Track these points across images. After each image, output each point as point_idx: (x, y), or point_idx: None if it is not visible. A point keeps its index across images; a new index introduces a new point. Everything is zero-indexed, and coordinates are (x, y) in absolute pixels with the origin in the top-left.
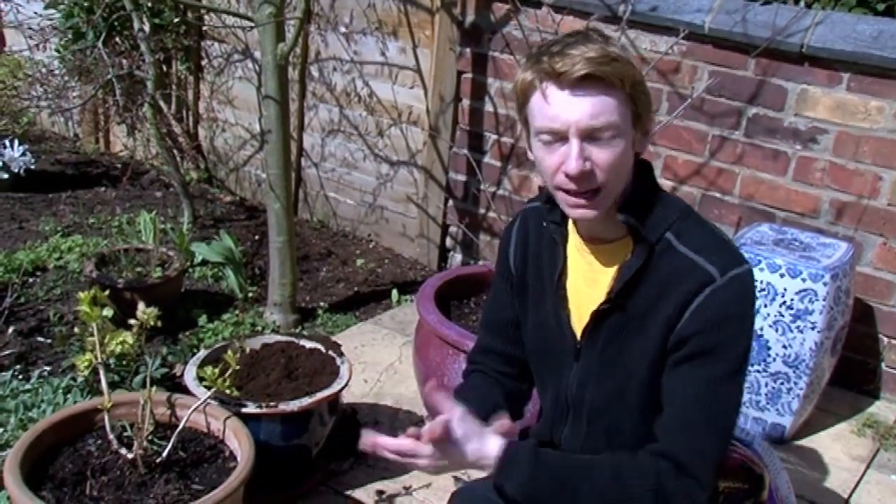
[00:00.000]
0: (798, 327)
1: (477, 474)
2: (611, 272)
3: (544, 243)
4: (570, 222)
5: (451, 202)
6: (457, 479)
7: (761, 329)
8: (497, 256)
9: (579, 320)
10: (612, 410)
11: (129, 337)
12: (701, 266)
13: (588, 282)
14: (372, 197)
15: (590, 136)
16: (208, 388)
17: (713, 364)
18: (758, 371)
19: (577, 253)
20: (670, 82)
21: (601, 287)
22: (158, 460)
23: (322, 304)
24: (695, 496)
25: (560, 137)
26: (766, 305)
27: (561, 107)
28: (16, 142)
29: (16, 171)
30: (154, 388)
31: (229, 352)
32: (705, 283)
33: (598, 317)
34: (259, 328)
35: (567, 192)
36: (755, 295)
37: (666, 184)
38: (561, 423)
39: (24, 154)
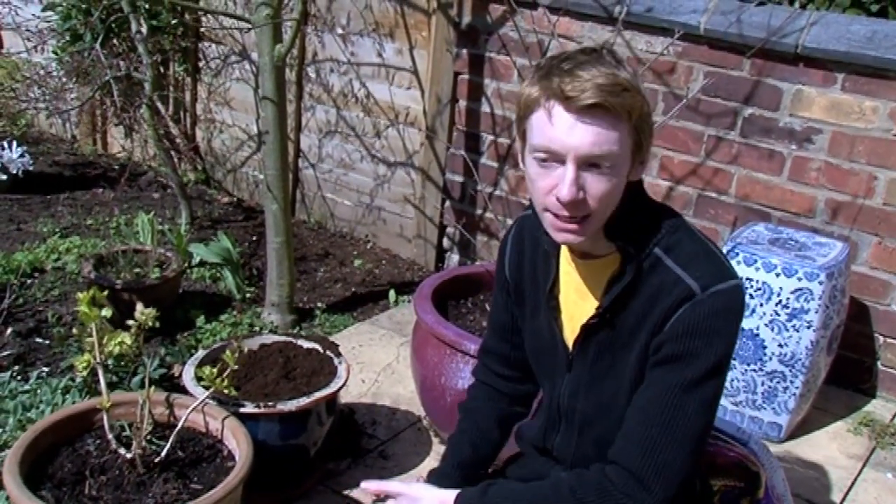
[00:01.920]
0: (794, 326)
1: None
2: (601, 286)
3: (539, 253)
4: None
5: (448, 203)
6: None
7: (757, 328)
8: (496, 263)
9: (571, 331)
10: (602, 422)
11: (127, 337)
12: (684, 281)
13: (580, 294)
14: (369, 198)
15: (587, 164)
16: (206, 388)
17: (678, 371)
18: (754, 370)
19: (569, 265)
20: (666, 83)
21: (592, 300)
22: (157, 460)
23: (320, 304)
24: (640, 499)
25: (556, 160)
26: (761, 305)
27: (564, 130)
28: (14, 143)
29: (14, 172)
30: (152, 389)
31: (227, 352)
32: (686, 298)
33: (587, 330)
34: (257, 329)
35: (555, 215)
36: (739, 311)
37: (662, 184)
38: (553, 431)
39: (22, 156)
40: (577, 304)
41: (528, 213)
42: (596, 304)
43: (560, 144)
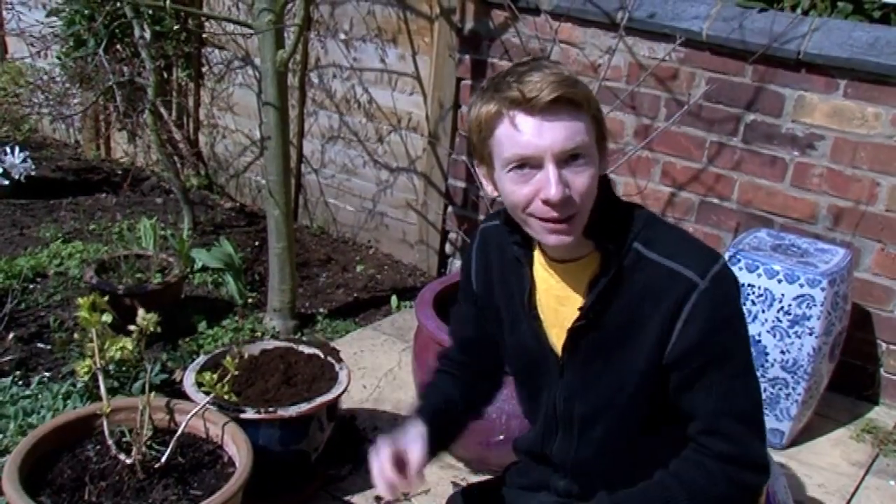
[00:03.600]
0: (796, 333)
1: (474, 479)
2: (581, 289)
3: (508, 265)
4: (536, 241)
5: (450, 208)
6: (455, 484)
7: (759, 335)
8: (460, 276)
9: (557, 338)
10: (602, 422)
11: (128, 343)
12: (679, 272)
13: (559, 301)
14: (371, 203)
15: (563, 160)
16: (207, 393)
17: (728, 363)
18: None
19: (545, 272)
20: (668, 89)
21: (573, 304)
22: (157, 466)
23: (321, 309)
24: (761, 478)
25: (533, 165)
26: (763, 311)
27: (533, 133)
28: (17, 148)
29: (17, 177)
30: (153, 394)
31: (228, 357)
32: (689, 289)
33: (574, 334)
34: (258, 334)
35: (544, 219)
36: (738, 284)
37: (664, 190)
38: (551, 437)
39: (25, 161)
40: (557, 312)
41: (491, 224)
42: (578, 306)
43: (534, 148)
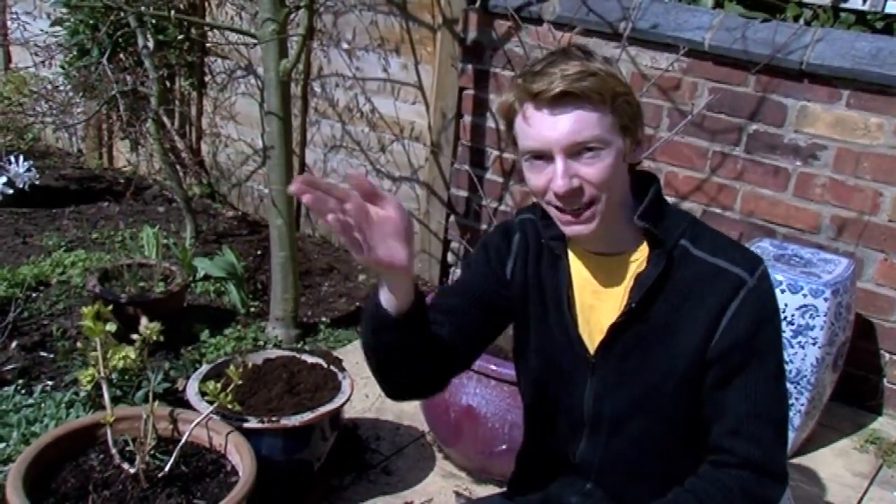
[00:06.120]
0: (799, 343)
1: (479, 493)
2: (621, 284)
3: (544, 259)
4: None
5: (452, 218)
6: (458, 494)
7: None
8: (484, 259)
9: (589, 334)
10: (636, 420)
11: (131, 352)
12: (728, 270)
13: (596, 295)
14: None
15: (574, 152)
16: (210, 402)
17: (766, 363)
18: None
19: (582, 267)
20: (671, 99)
21: (611, 300)
22: (160, 475)
23: (324, 319)
24: (779, 489)
25: (545, 157)
26: None
27: (541, 127)
28: (21, 157)
29: (20, 186)
30: (156, 403)
31: (231, 367)
32: (738, 285)
33: (615, 329)
34: (261, 343)
35: (560, 210)
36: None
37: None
38: (576, 439)
39: (28, 169)
40: (593, 306)
41: (527, 217)
42: (617, 302)
43: (542, 142)
